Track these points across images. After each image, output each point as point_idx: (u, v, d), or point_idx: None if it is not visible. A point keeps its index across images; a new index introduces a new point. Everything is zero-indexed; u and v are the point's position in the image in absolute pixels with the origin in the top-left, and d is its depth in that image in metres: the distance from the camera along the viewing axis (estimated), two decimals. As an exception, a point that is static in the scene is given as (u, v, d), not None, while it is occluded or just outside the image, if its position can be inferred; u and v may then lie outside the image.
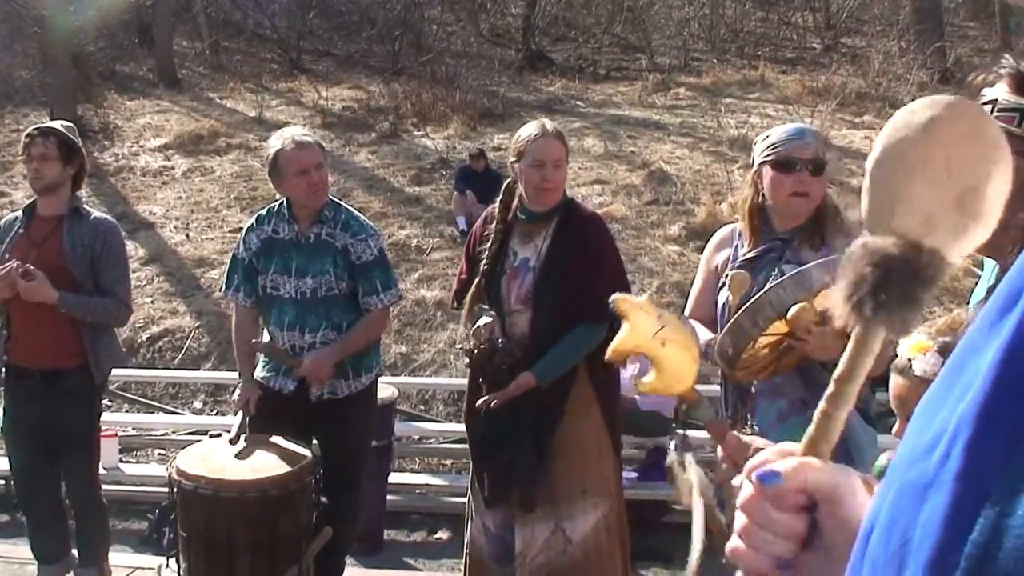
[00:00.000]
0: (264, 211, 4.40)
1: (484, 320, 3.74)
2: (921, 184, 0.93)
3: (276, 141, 4.19)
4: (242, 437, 4.05)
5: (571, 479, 3.79)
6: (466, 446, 4.29)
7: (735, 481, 1.06)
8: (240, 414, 4.20)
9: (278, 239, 4.26)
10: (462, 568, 4.19)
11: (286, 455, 3.91)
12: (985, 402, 0.59)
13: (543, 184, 3.78)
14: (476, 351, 3.74)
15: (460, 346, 3.70)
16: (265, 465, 3.85)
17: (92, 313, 4.39)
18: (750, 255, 3.19)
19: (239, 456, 3.91)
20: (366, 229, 4.28)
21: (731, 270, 3.20)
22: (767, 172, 3.16)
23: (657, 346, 1.56)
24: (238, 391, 4.28)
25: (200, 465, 3.83)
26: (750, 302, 2.71)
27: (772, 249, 3.15)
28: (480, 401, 3.76)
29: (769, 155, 3.14)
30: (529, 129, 3.84)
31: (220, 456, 3.94)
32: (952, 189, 0.92)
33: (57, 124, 4.63)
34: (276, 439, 4.03)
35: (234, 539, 3.75)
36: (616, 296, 1.60)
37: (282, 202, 4.30)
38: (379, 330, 4.48)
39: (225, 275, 4.50)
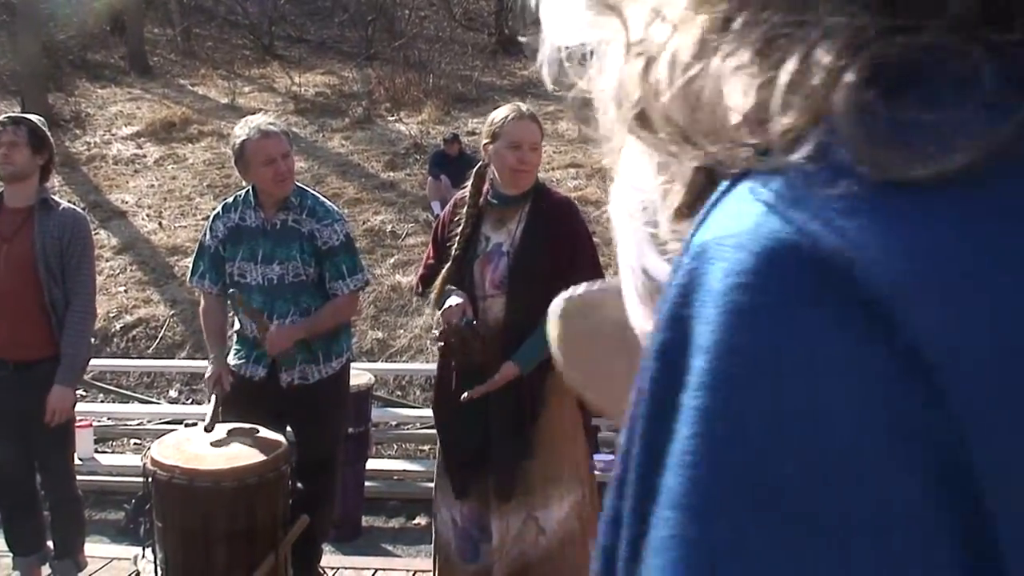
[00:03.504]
0: (231, 199, 4.36)
1: (454, 300, 3.67)
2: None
3: (242, 130, 4.16)
4: (216, 426, 4.02)
5: (546, 467, 3.73)
6: (444, 432, 4.25)
7: None
8: (214, 399, 4.17)
9: (245, 227, 4.23)
10: (432, 563, 4.09)
11: (261, 443, 3.90)
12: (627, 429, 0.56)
13: (519, 166, 3.70)
14: (449, 334, 3.69)
15: (435, 331, 3.65)
16: (240, 454, 3.83)
17: (83, 347, 4.50)
18: None
19: (214, 445, 3.90)
20: (332, 214, 4.26)
21: None
22: None
23: None
24: (209, 370, 4.25)
25: (175, 455, 3.80)
26: None
27: None
28: (464, 396, 3.68)
29: None
30: (504, 111, 3.78)
31: (195, 445, 3.91)
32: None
33: (29, 116, 4.62)
34: (250, 427, 4.01)
35: (210, 528, 3.73)
36: None
37: (248, 190, 4.28)
38: (346, 315, 4.45)
39: (192, 263, 4.48)
